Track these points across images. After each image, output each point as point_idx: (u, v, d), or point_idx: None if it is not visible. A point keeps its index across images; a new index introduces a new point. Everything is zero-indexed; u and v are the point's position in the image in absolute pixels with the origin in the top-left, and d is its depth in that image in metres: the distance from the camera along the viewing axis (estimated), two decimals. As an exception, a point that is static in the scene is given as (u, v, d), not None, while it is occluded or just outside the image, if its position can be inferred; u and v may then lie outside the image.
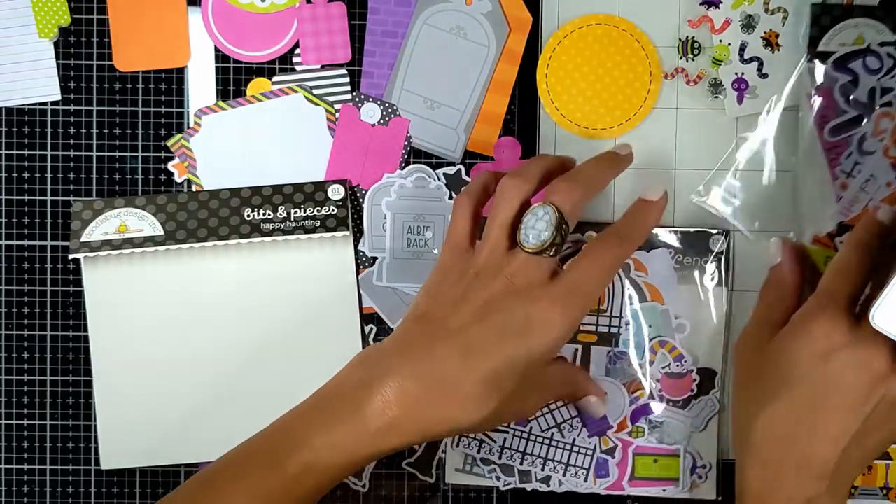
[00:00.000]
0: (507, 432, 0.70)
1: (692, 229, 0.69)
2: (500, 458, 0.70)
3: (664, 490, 0.70)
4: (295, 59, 0.70)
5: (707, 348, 0.69)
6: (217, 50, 0.70)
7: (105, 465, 0.70)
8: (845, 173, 0.67)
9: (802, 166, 0.68)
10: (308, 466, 0.57)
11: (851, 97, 0.67)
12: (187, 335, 0.70)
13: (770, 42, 0.69)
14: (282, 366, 0.70)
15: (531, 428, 0.70)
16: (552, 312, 0.57)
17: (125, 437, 0.70)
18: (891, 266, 0.59)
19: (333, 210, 0.69)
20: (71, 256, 0.69)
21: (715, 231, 0.69)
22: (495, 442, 0.70)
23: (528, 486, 0.70)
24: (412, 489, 0.71)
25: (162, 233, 0.68)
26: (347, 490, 0.71)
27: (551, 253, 0.58)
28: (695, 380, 0.68)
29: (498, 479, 0.70)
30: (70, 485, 0.71)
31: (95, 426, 0.71)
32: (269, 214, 0.68)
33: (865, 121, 0.67)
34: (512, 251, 0.59)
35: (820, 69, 0.67)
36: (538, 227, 0.58)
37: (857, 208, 0.68)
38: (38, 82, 0.70)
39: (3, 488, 0.71)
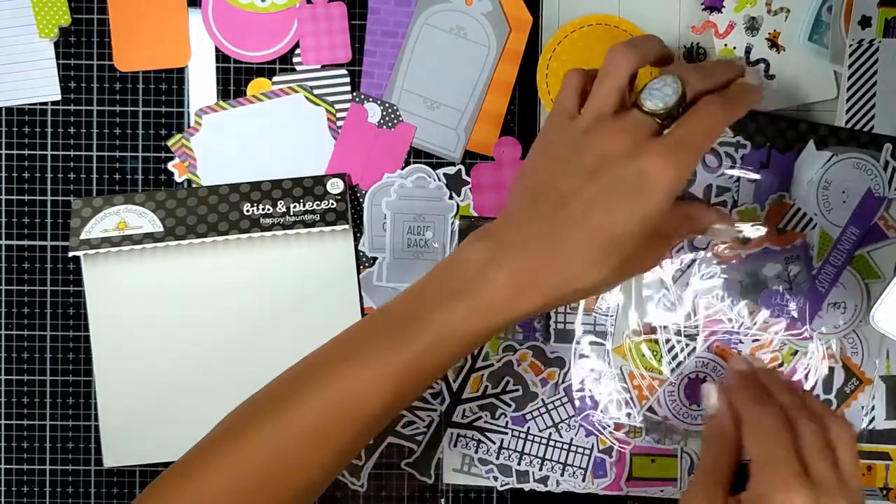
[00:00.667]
0: (506, 433, 0.70)
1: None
2: (497, 458, 0.70)
3: (662, 490, 0.70)
4: (295, 59, 0.70)
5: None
6: (217, 50, 0.70)
7: (107, 462, 0.70)
8: (674, 267, 0.68)
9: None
10: (440, 335, 0.57)
11: (688, 192, 0.68)
12: (188, 331, 0.70)
13: (775, 43, 0.69)
14: (284, 360, 0.69)
15: (529, 428, 0.70)
16: (664, 165, 0.56)
17: (127, 434, 0.70)
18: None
19: (333, 204, 0.69)
20: (71, 254, 0.69)
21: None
22: (493, 442, 0.70)
23: (526, 487, 0.70)
24: (412, 489, 0.71)
25: (161, 229, 0.69)
26: (346, 490, 0.71)
27: (664, 121, 0.58)
28: None
29: (496, 479, 0.70)
30: (70, 485, 0.71)
31: (96, 425, 0.71)
32: (269, 209, 0.68)
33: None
34: (620, 112, 0.58)
35: None
36: (664, 91, 0.58)
37: (682, 304, 0.69)
38: (39, 82, 0.70)
39: (3, 488, 0.71)
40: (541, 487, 0.70)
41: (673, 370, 0.69)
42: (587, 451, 0.70)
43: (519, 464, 0.70)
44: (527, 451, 0.70)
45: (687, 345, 0.68)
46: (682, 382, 0.69)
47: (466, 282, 0.57)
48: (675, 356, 0.69)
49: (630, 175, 0.56)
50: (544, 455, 0.70)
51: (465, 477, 0.70)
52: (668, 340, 0.68)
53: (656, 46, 0.61)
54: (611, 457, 0.70)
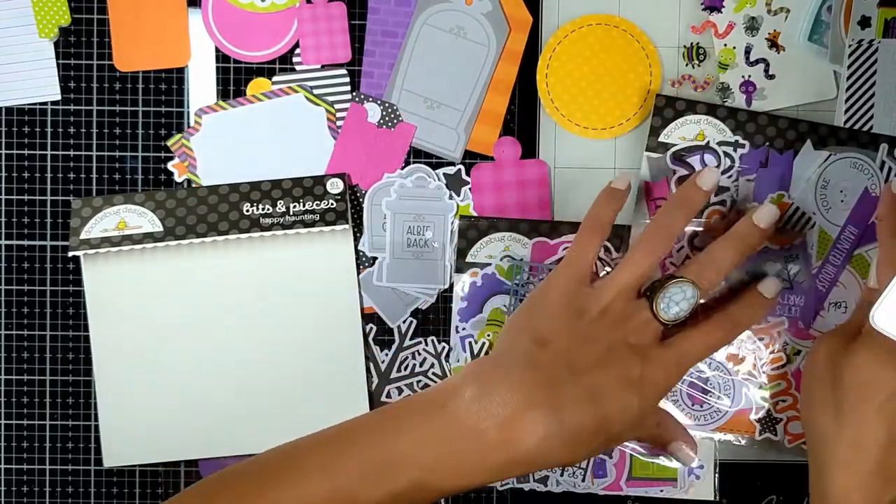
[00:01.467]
0: None
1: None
2: None
3: (662, 490, 0.70)
4: (295, 59, 0.70)
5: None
6: (217, 50, 0.70)
7: (107, 462, 0.70)
8: (675, 266, 0.68)
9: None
10: (416, 484, 0.57)
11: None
12: (188, 330, 0.70)
13: (775, 43, 0.69)
14: (283, 360, 0.70)
15: None
16: (664, 377, 0.60)
17: (127, 433, 0.70)
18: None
19: (332, 204, 0.69)
20: (70, 254, 0.69)
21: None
22: None
23: (526, 486, 0.70)
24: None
25: (161, 229, 0.69)
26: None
27: (674, 323, 0.61)
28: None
29: None
30: (70, 485, 0.71)
31: (96, 425, 0.71)
32: (268, 209, 0.69)
33: (699, 216, 0.68)
34: (637, 302, 0.61)
35: (658, 160, 0.68)
36: (681, 305, 0.61)
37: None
38: (38, 82, 0.70)
39: (3, 488, 0.71)
40: (541, 487, 0.70)
41: None
42: None
43: None
44: None
45: None
46: (684, 384, 0.69)
47: (454, 438, 0.57)
48: None
49: (634, 373, 0.59)
50: None
51: None
52: None
53: (682, 227, 0.63)
54: (611, 457, 0.70)
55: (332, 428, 0.59)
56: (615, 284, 0.61)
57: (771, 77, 0.69)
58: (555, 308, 0.61)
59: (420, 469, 0.57)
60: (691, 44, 0.70)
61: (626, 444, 0.69)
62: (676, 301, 0.61)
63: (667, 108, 0.68)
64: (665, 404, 0.69)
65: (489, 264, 0.69)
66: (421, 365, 0.70)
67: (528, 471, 0.59)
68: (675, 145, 0.68)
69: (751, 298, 0.65)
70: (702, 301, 0.63)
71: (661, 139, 0.68)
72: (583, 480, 0.70)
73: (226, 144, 0.70)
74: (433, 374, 0.70)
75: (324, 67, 0.70)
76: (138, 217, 0.69)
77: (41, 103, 0.71)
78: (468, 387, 0.58)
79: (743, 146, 0.68)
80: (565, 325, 0.60)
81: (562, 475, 0.70)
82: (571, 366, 0.59)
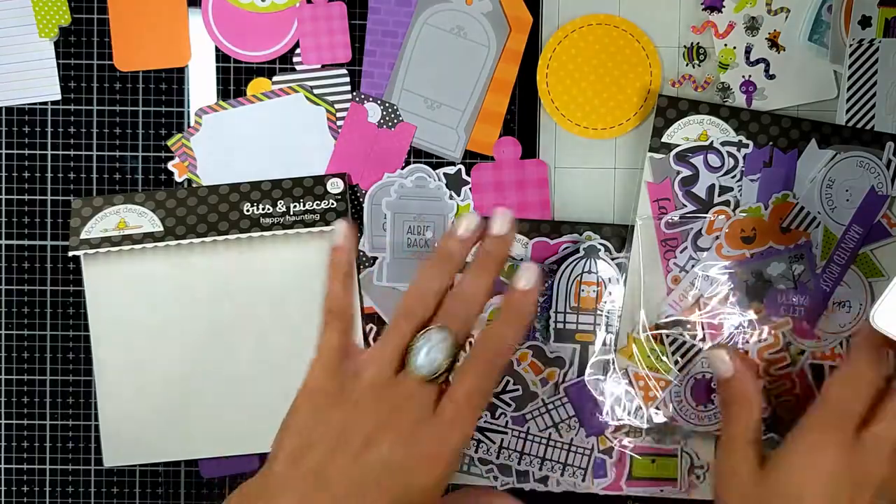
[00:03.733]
0: (506, 432, 0.70)
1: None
2: (497, 457, 0.70)
3: (662, 490, 0.70)
4: (295, 59, 0.70)
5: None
6: (217, 50, 0.70)
7: (107, 462, 0.70)
8: (678, 267, 0.68)
9: (637, 254, 0.68)
10: None
11: (691, 191, 0.68)
12: (187, 331, 0.70)
13: (775, 43, 0.69)
14: (283, 360, 0.70)
15: (528, 428, 0.70)
16: (438, 449, 0.54)
17: (127, 434, 0.70)
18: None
19: (333, 204, 0.69)
20: (70, 253, 0.69)
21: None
22: (493, 442, 0.70)
23: (526, 486, 0.70)
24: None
25: (161, 229, 0.69)
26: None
27: (442, 379, 0.55)
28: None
29: (495, 478, 0.70)
30: (70, 485, 0.71)
31: (96, 425, 0.71)
32: (269, 209, 0.68)
33: (702, 217, 0.68)
34: (397, 376, 0.55)
35: (662, 160, 0.68)
36: (433, 355, 0.55)
37: (686, 304, 0.68)
38: (39, 82, 0.70)
39: (3, 488, 0.71)
40: (541, 487, 0.70)
41: (680, 370, 0.69)
42: (587, 452, 0.69)
43: (519, 463, 0.70)
44: (527, 450, 0.70)
45: (692, 345, 0.68)
46: (689, 383, 0.69)
47: None
48: (682, 356, 0.69)
49: (400, 459, 0.53)
50: (544, 455, 0.70)
51: (465, 477, 0.70)
52: (673, 341, 0.68)
53: (438, 291, 0.58)
54: (611, 457, 0.70)
55: None
56: (374, 359, 0.56)
57: (771, 77, 0.69)
58: (303, 410, 0.56)
59: None
60: (691, 44, 0.70)
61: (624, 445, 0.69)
62: (425, 353, 0.55)
63: (669, 109, 0.68)
64: (667, 406, 0.69)
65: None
66: (421, 365, 0.70)
67: None
68: (678, 146, 0.68)
69: (507, 304, 0.58)
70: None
71: (664, 140, 0.68)
72: (583, 480, 0.69)
73: (226, 144, 0.70)
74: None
75: (324, 67, 0.70)
76: (138, 217, 0.69)
77: (41, 103, 0.71)
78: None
79: (746, 146, 0.68)
80: (315, 429, 0.55)
81: (562, 475, 0.69)
82: (323, 480, 0.53)
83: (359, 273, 0.70)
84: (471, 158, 0.71)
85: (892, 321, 0.56)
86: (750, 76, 0.69)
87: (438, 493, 0.55)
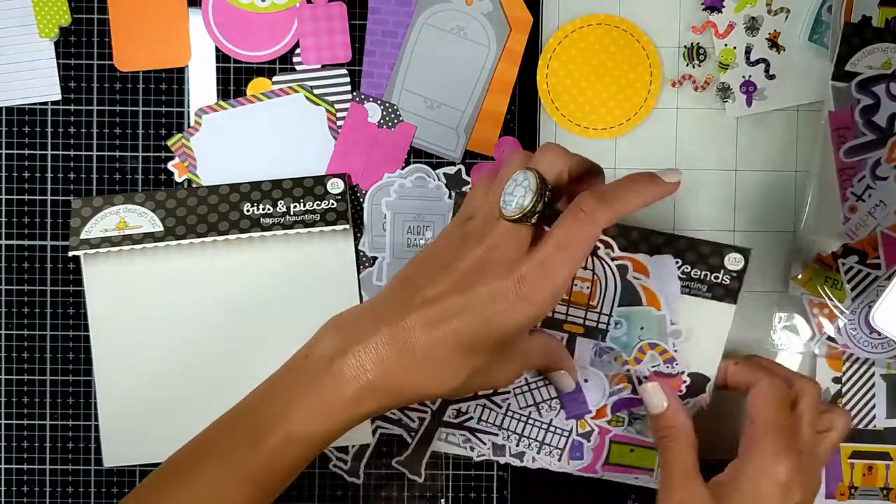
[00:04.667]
0: (493, 409, 0.70)
1: (709, 242, 0.68)
2: (475, 430, 0.70)
3: (637, 478, 0.70)
4: (295, 59, 0.70)
5: (702, 356, 0.68)
6: (217, 50, 0.70)
7: (107, 462, 0.70)
8: (856, 196, 0.67)
9: (815, 182, 0.68)
10: (287, 438, 0.57)
11: (871, 120, 0.67)
12: (188, 331, 0.70)
13: (775, 43, 0.69)
14: (283, 360, 0.70)
15: (509, 404, 0.70)
16: (522, 291, 0.56)
17: (127, 433, 0.70)
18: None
19: (333, 204, 0.69)
20: (70, 253, 0.69)
21: (734, 250, 0.67)
22: (472, 415, 0.70)
23: (501, 460, 0.70)
24: (411, 489, 0.71)
25: (161, 229, 0.69)
26: (346, 490, 0.71)
27: (532, 220, 0.57)
28: (685, 381, 0.68)
29: (472, 449, 0.70)
30: (70, 485, 0.71)
31: (96, 425, 0.71)
32: (269, 209, 0.69)
33: (882, 146, 0.67)
34: (498, 219, 0.58)
35: (844, 88, 0.67)
36: (517, 193, 0.57)
37: (863, 232, 0.68)
38: (39, 82, 0.70)
39: (3, 488, 0.71)
40: (516, 462, 0.70)
41: (853, 299, 0.68)
42: (566, 433, 0.69)
43: (496, 437, 0.70)
44: (505, 426, 0.70)
45: (868, 273, 0.68)
46: (863, 311, 0.68)
47: (310, 381, 0.57)
48: (857, 284, 0.68)
49: (489, 293, 0.56)
50: (522, 431, 0.70)
51: (444, 445, 0.70)
52: (849, 269, 0.68)
53: (559, 160, 0.59)
54: (589, 441, 0.69)
55: (233, 409, 0.60)
56: (482, 205, 0.59)
57: (771, 77, 0.69)
58: (430, 245, 0.61)
59: (291, 422, 0.56)
60: (691, 44, 0.70)
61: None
62: (510, 192, 0.57)
63: (854, 37, 0.67)
64: (840, 334, 0.68)
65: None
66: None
67: (386, 407, 0.58)
68: (860, 74, 0.67)
69: (634, 181, 0.59)
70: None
71: (847, 68, 0.67)
72: (559, 460, 0.69)
73: (226, 144, 0.70)
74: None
75: (324, 67, 0.70)
76: (138, 217, 0.69)
77: (41, 103, 0.71)
78: (322, 334, 0.59)
79: None
80: (430, 258, 0.59)
81: (538, 453, 0.69)
82: (422, 297, 0.57)
83: (359, 273, 0.70)
84: (471, 158, 0.71)
85: (892, 321, 0.57)
86: (750, 76, 0.69)
87: (520, 333, 0.58)
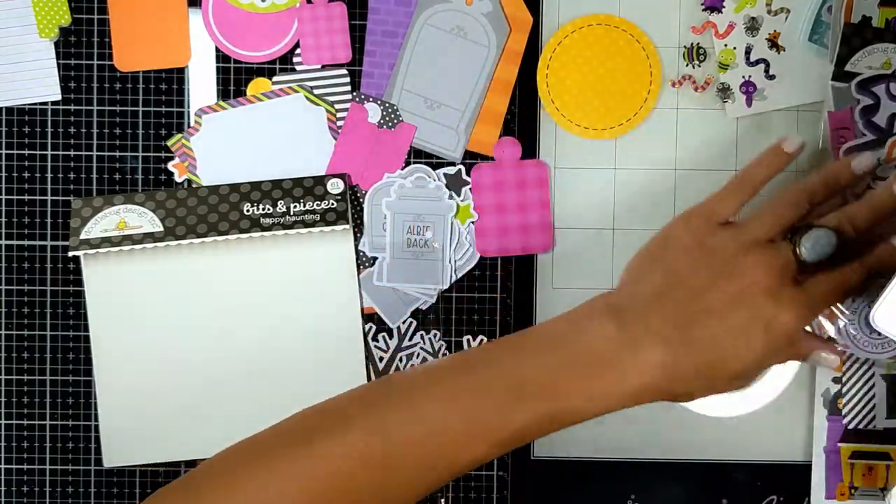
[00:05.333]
0: None
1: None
2: None
3: None
4: (295, 59, 0.70)
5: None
6: (217, 50, 0.70)
7: (107, 462, 0.70)
8: (856, 196, 0.67)
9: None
10: (551, 416, 0.57)
11: (871, 121, 0.67)
12: (188, 331, 0.70)
13: (775, 43, 0.69)
14: (283, 360, 0.70)
15: None
16: (795, 319, 0.59)
17: (127, 434, 0.70)
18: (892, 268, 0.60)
19: (333, 204, 0.69)
20: (70, 254, 0.69)
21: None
22: None
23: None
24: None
25: (161, 229, 0.69)
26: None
27: (807, 266, 0.60)
28: None
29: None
30: (70, 485, 0.71)
31: (96, 425, 0.71)
32: (269, 209, 0.68)
33: (882, 146, 0.67)
34: (776, 245, 0.60)
35: (844, 88, 0.67)
36: (824, 250, 0.59)
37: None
38: (39, 82, 0.70)
39: (3, 488, 0.71)
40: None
41: (853, 300, 0.67)
42: None
43: None
44: None
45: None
46: (863, 312, 0.66)
47: (601, 362, 0.57)
48: None
49: (765, 315, 0.58)
50: None
51: None
52: None
53: (831, 192, 0.63)
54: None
55: (443, 360, 0.60)
56: (754, 229, 0.60)
57: (771, 77, 0.69)
58: (689, 245, 0.61)
59: (548, 397, 0.57)
60: (691, 44, 0.70)
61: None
62: (821, 244, 0.59)
63: (854, 37, 0.67)
64: (841, 335, 0.68)
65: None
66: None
67: (654, 400, 0.59)
68: (860, 74, 0.67)
69: (885, 249, 0.62)
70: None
71: (847, 68, 0.67)
72: None
73: (226, 144, 0.70)
74: (433, 374, 0.70)
75: (324, 67, 0.70)
76: (138, 217, 0.69)
77: (41, 103, 0.71)
78: (599, 319, 0.59)
79: None
80: (702, 262, 0.60)
81: None
82: (705, 307, 0.58)
83: (359, 273, 0.70)
84: (471, 158, 0.71)
85: (892, 321, 0.57)
86: (750, 76, 0.69)
87: (773, 355, 0.60)
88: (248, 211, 0.69)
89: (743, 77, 0.69)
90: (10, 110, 0.71)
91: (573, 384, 0.57)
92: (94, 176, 0.71)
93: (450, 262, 0.70)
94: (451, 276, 0.70)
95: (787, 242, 0.60)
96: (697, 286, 0.59)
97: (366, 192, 0.70)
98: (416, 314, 0.71)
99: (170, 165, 0.71)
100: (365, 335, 0.70)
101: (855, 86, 0.67)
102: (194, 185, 0.70)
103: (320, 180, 0.69)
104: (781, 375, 0.70)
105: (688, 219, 0.62)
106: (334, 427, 0.57)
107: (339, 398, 0.59)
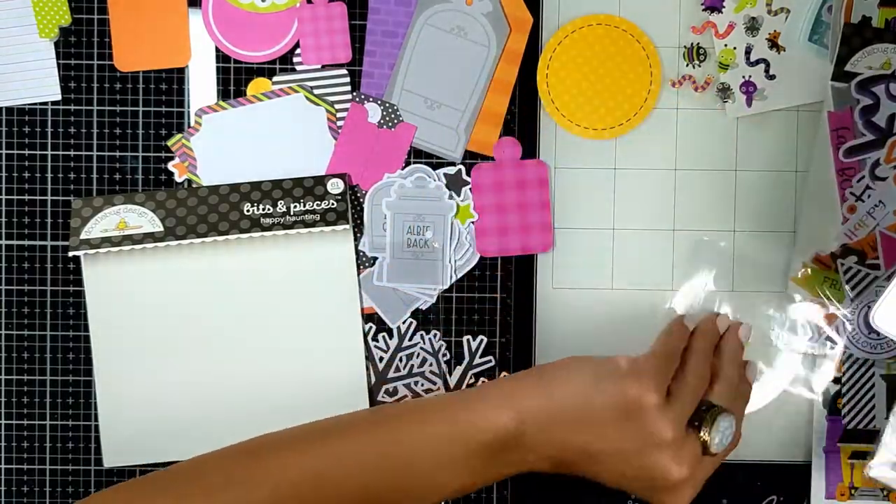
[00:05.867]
0: None
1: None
2: None
3: None
4: (295, 59, 0.70)
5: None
6: (217, 50, 0.70)
7: (107, 462, 0.70)
8: (854, 196, 0.67)
9: (813, 182, 0.68)
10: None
11: (871, 121, 0.67)
12: (188, 330, 0.70)
13: (775, 43, 0.69)
14: (283, 360, 0.70)
15: None
16: (693, 487, 0.61)
17: (127, 433, 0.70)
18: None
19: (333, 204, 0.69)
20: (71, 254, 0.69)
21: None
22: None
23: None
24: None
25: (161, 229, 0.69)
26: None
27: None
28: None
29: None
30: (70, 485, 0.71)
31: (96, 425, 0.71)
32: (269, 209, 0.68)
33: (881, 146, 0.67)
34: (687, 434, 0.61)
35: (843, 89, 0.67)
36: (728, 437, 0.61)
37: (862, 233, 0.68)
38: (39, 82, 0.70)
39: (3, 488, 0.71)
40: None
41: (853, 299, 0.68)
42: None
43: None
44: None
45: (867, 274, 0.68)
46: (862, 312, 0.68)
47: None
48: (856, 285, 0.68)
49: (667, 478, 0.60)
50: None
51: None
52: (847, 270, 0.68)
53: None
54: None
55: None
56: (678, 411, 0.61)
57: (771, 77, 0.69)
58: (610, 399, 0.60)
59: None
60: (691, 44, 0.70)
61: None
62: (728, 434, 0.61)
63: (854, 37, 0.67)
64: (840, 334, 0.69)
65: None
66: (420, 365, 0.71)
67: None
68: (860, 74, 0.67)
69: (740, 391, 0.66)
70: None
71: (846, 68, 0.67)
72: None
73: (226, 144, 0.70)
74: (431, 372, 0.70)
75: (324, 67, 0.70)
76: (138, 217, 0.69)
77: (41, 103, 0.71)
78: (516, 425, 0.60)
79: None
80: (628, 436, 0.60)
81: None
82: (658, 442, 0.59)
83: (359, 273, 0.70)
84: (471, 158, 0.71)
85: (892, 321, 0.57)
86: (750, 76, 0.69)
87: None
88: (248, 211, 0.69)
89: (743, 77, 0.69)
90: (10, 110, 0.71)
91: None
92: (94, 176, 0.71)
93: (450, 262, 0.70)
94: (451, 276, 0.70)
95: (693, 431, 0.61)
96: (613, 452, 0.60)
97: (366, 192, 0.70)
98: (416, 314, 0.71)
99: (170, 165, 0.71)
100: (365, 335, 0.70)
101: (855, 86, 0.67)
102: (194, 185, 0.70)
103: (320, 180, 0.69)
104: (781, 376, 0.70)
105: (625, 379, 0.61)
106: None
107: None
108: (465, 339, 0.71)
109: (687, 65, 0.70)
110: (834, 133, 0.68)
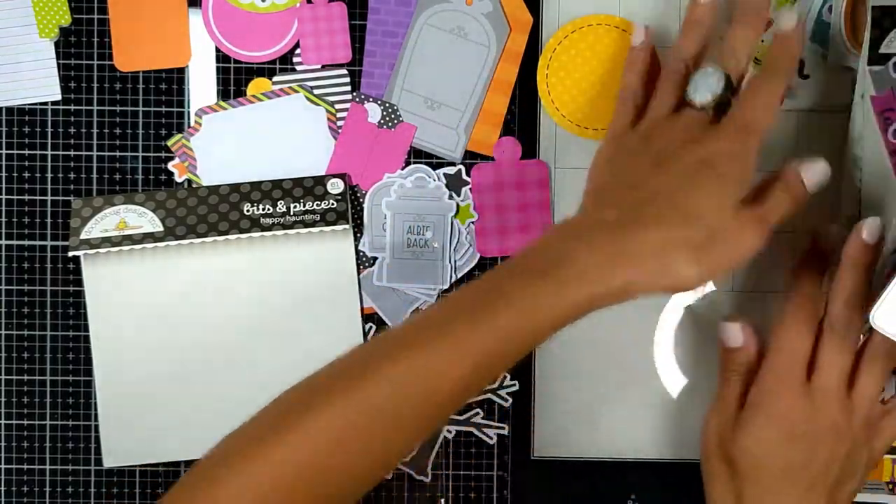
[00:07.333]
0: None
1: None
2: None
3: None
4: (295, 59, 0.70)
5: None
6: (217, 50, 0.70)
7: (107, 462, 0.70)
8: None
9: (868, 174, 0.67)
10: (520, 317, 0.54)
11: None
12: (188, 331, 0.70)
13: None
14: (284, 360, 0.70)
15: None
16: (727, 147, 0.58)
17: (127, 434, 0.70)
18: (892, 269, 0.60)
19: (333, 204, 0.69)
20: (70, 254, 0.69)
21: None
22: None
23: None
24: (411, 490, 0.71)
25: (161, 229, 0.69)
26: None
27: (716, 113, 0.60)
28: None
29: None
30: (70, 485, 0.71)
31: (96, 425, 0.71)
32: (269, 209, 0.69)
33: None
34: (676, 112, 0.61)
35: (882, 71, 0.67)
36: (709, 83, 0.60)
37: None
38: (39, 82, 0.70)
39: (3, 488, 0.71)
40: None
41: None
42: None
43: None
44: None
45: None
46: None
47: (551, 259, 0.55)
48: None
49: (693, 162, 0.57)
50: None
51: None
52: None
53: (705, 34, 0.64)
54: None
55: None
56: (652, 111, 0.62)
57: (805, 77, 0.69)
58: (603, 159, 0.62)
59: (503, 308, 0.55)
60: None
61: None
62: (703, 81, 0.60)
63: (885, 18, 0.66)
64: None
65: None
66: (421, 365, 0.70)
67: (649, 281, 0.56)
68: (895, 54, 0.66)
69: (777, 44, 0.62)
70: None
71: (881, 50, 0.67)
72: None
73: (226, 144, 0.70)
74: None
75: (324, 67, 0.70)
76: (138, 217, 0.69)
77: (41, 103, 0.71)
78: (557, 236, 0.58)
79: None
80: (615, 165, 0.61)
81: None
82: (629, 186, 0.58)
83: (359, 273, 0.70)
84: (471, 158, 0.71)
85: (892, 321, 0.57)
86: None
87: (740, 189, 0.58)
88: (248, 211, 0.69)
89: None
90: (10, 110, 0.71)
91: (533, 283, 0.55)
92: (94, 176, 0.71)
93: (450, 262, 0.70)
94: (451, 276, 0.70)
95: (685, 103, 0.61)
96: (625, 178, 0.59)
97: (366, 192, 0.70)
98: (416, 314, 0.71)
99: (170, 165, 0.71)
100: (365, 335, 0.70)
101: (892, 66, 0.66)
102: (194, 185, 0.70)
103: (320, 180, 0.69)
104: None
105: (606, 136, 0.63)
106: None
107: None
108: (465, 339, 0.71)
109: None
110: (879, 116, 0.66)
